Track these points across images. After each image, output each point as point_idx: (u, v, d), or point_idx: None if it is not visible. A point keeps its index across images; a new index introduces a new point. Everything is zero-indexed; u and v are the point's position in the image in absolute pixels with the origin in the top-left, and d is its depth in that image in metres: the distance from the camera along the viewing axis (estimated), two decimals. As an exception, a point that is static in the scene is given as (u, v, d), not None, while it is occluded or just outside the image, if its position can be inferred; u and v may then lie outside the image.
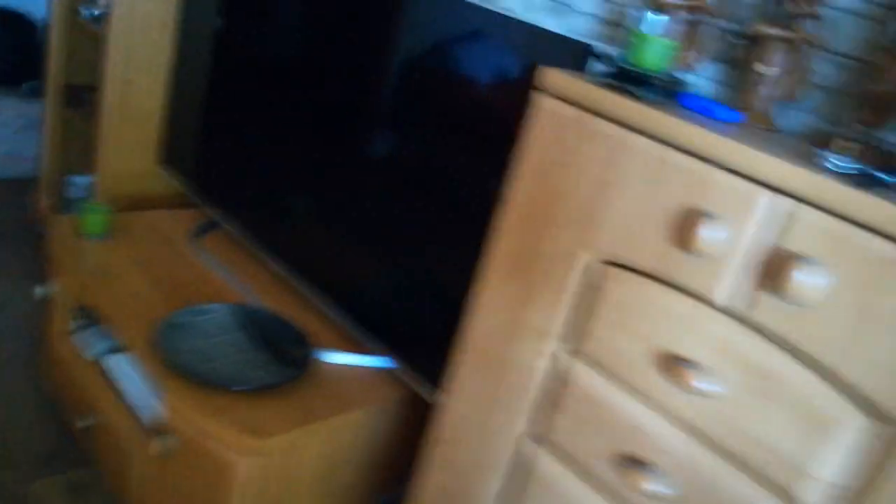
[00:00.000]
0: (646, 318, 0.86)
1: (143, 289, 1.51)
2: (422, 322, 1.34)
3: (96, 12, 2.04)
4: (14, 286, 2.10)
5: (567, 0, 1.32)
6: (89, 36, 2.18)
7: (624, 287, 0.88)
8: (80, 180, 2.27)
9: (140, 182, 2.03)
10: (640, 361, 0.87)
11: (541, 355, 0.97)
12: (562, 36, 1.10)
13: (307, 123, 1.57)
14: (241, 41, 1.80)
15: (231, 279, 1.64)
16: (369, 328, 1.42)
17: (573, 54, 1.06)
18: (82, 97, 2.19)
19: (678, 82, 0.89)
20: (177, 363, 1.27)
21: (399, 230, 1.37)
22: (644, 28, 0.89)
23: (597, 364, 0.91)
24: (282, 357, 1.38)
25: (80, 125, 2.22)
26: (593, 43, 1.06)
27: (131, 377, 1.40)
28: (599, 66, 1.00)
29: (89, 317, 1.57)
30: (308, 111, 1.56)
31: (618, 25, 1.22)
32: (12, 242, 2.33)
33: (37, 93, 2.72)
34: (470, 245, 1.22)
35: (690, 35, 1.00)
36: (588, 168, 0.89)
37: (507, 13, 1.18)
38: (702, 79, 1.07)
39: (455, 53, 1.25)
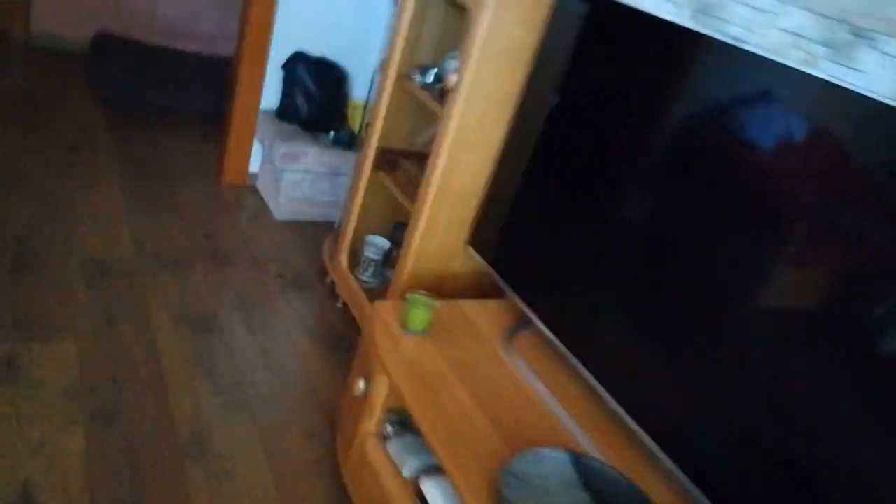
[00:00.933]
0: None
1: (465, 403, 1.34)
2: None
3: (430, 80, 1.99)
4: (309, 341, 2.10)
5: None
6: (414, 101, 2.14)
7: None
8: (378, 241, 2.24)
9: (446, 260, 1.93)
10: None
11: None
12: None
13: (650, 220, 1.31)
14: (573, 122, 1.62)
15: (553, 404, 1.42)
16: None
17: None
18: (394, 161, 2.15)
19: None
20: (521, 528, 1.06)
21: (784, 370, 1.05)
22: None
23: None
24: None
25: (386, 187, 2.19)
26: None
27: (453, 516, 1.23)
28: None
29: (405, 424, 1.44)
30: (653, 205, 1.31)
31: None
32: (306, 290, 2.36)
33: (340, 143, 2.80)
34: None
35: None
36: None
37: None
38: None
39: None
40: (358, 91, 3.02)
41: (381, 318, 1.54)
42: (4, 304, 1.85)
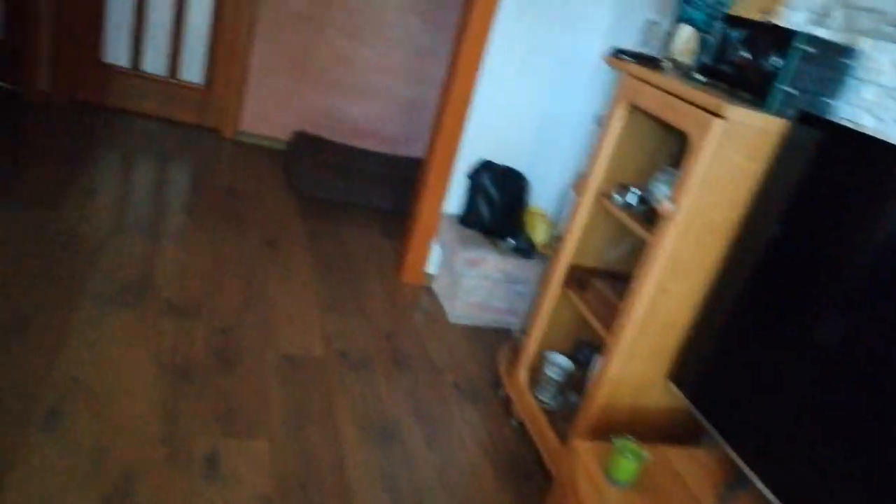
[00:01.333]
0: None
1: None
2: None
3: (631, 201, 1.93)
4: (487, 463, 2.02)
5: None
6: (610, 220, 2.09)
7: None
8: (560, 360, 2.15)
9: (641, 393, 1.79)
10: None
11: None
12: None
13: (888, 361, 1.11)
14: (800, 254, 1.46)
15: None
16: None
17: None
18: (585, 280, 2.09)
19: None
20: None
21: None
22: None
23: None
24: None
25: (572, 304, 2.12)
26: None
27: None
28: None
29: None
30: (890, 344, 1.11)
31: None
32: (482, 403, 2.31)
33: (519, 251, 2.79)
34: None
35: None
36: None
37: None
38: None
39: None
40: (536, 198, 3.03)
41: (582, 462, 1.43)
42: (211, 398, 1.96)
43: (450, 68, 2.83)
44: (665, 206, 1.63)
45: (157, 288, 2.41)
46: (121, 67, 4.05)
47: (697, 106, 1.59)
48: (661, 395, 1.81)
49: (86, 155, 3.38)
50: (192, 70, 4.15)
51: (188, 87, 4.18)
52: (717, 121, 1.51)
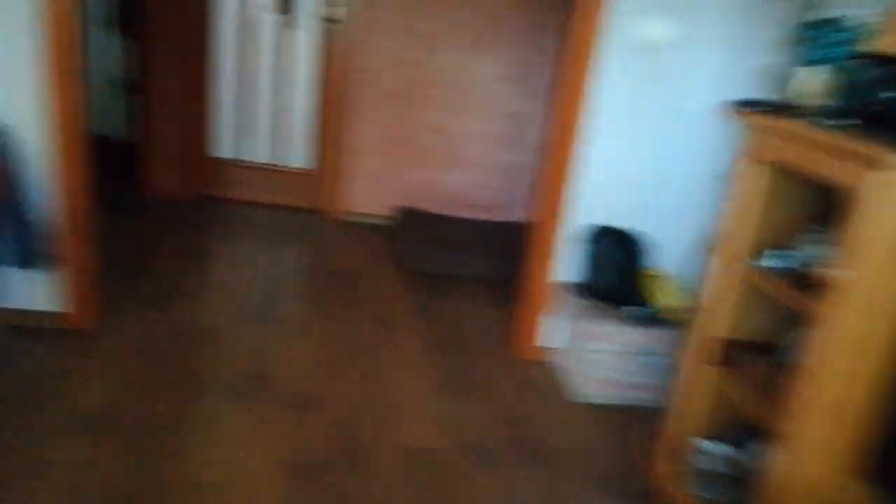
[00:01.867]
0: None
1: None
2: None
3: (777, 265, 1.72)
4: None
5: None
6: (751, 287, 1.87)
7: None
8: (714, 448, 1.91)
9: (826, 492, 1.54)
10: None
11: None
12: None
13: None
14: None
15: None
16: None
17: None
18: (731, 355, 1.86)
19: None
20: None
21: None
22: None
23: None
24: None
25: (718, 383, 1.90)
26: None
27: None
28: None
29: None
30: None
31: None
32: (617, 491, 2.09)
33: (641, 319, 2.59)
34: None
35: None
36: None
37: None
38: None
39: None
40: (654, 260, 2.82)
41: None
42: (335, 502, 1.87)
43: (549, 132, 2.73)
44: (831, 272, 1.42)
45: (276, 380, 2.39)
46: (228, 159, 4.25)
47: (854, 157, 1.39)
48: (855, 496, 1.54)
49: (200, 247, 3.51)
50: (296, 155, 4.29)
51: (293, 172, 4.31)
52: (885, 173, 1.31)
